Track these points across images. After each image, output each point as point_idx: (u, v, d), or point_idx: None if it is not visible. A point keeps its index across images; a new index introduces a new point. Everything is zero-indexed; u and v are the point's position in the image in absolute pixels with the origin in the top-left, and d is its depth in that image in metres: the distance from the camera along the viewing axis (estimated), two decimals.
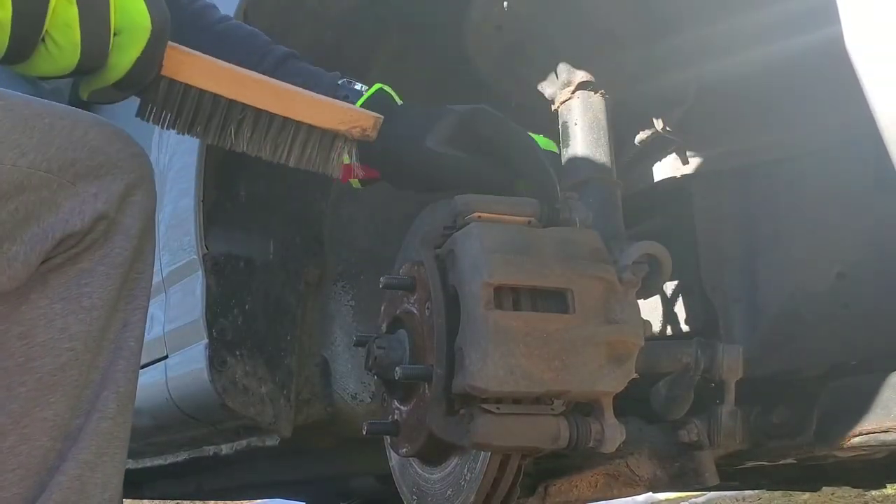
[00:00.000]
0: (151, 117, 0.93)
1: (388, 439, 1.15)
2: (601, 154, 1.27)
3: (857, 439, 1.19)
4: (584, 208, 1.08)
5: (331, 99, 0.94)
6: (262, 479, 2.35)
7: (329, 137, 0.95)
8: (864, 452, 1.29)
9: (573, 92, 1.29)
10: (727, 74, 1.29)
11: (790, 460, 1.46)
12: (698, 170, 1.36)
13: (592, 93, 1.29)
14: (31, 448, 0.95)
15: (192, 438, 1.85)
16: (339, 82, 1.12)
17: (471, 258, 0.96)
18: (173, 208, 1.59)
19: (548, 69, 1.32)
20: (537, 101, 1.36)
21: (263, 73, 1.06)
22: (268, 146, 0.93)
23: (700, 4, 1.26)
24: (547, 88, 1.33)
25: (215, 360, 1.50)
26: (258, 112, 0.89)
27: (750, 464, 1.50)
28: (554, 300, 0.98)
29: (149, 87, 0.87)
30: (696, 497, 3.39)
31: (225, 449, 1.90)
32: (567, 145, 1.29)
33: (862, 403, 1.20)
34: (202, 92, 0.87)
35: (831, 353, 1.24)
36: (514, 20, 1.31)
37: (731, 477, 1.81)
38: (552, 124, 1.34)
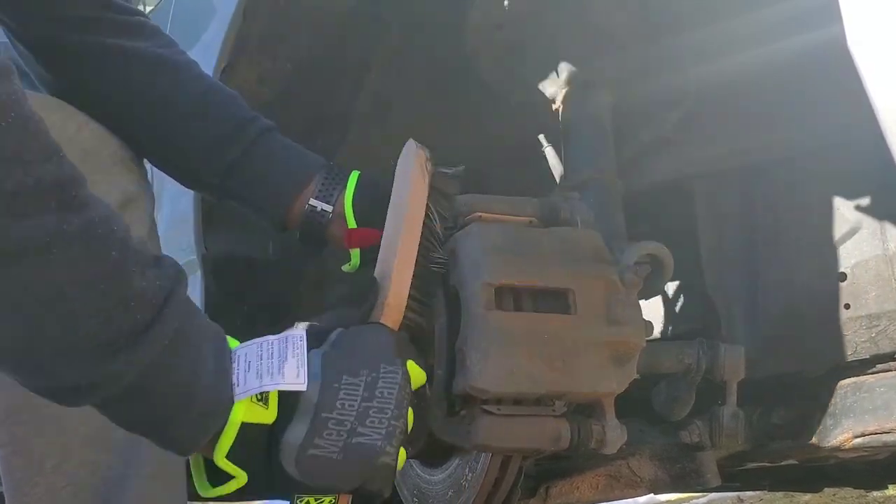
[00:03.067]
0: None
1: None
2: (602, 154, 1.27)
3: (858, 440, 1.19)
4: (585, 208, 1.08)
5: (404, 177, 0.96)
6: None
7: (432, 195, 0.98)
8: (865, 453, 1.29)
9: (574, 91, 1.29)
10: (728, 74, 1.29)
11: (792, 461, 1.46)
12: (699, 170, 1.36)
13: (593, 92, 1.29)
14: (76, 465, 0.94)
15: None
16: (322, 164, 1.10)
17: (472, 258, 0.96)
18: (172, 208, 1.59)
19: (548, 68, 1.32)
20: (538, 100, 1.36)
21: (243, 149, 1.07)
22: (439, 242, 0.97)
23: (700, 4, 1.25)
24: (548, 88, 1.33)
25: None
26: (422, 244, 0.94)
27: (751, 465, 1.49)
28: (555, 300, 0.98)
29: None
30: (697, 498, 3.38)
31: None
32: (568, 145, 1.28)
33: (863, 404, 1.19)
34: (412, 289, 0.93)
35: (832, 354, 1.24)
36: (514, 19, 1.30)
37: (732, 478, 1.80)
38: (552, 124, 1.34)
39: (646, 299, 1.18)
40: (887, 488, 2.37)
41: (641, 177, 1.39)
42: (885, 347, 1.21)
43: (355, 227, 1.07)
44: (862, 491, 2.61)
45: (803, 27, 1.16)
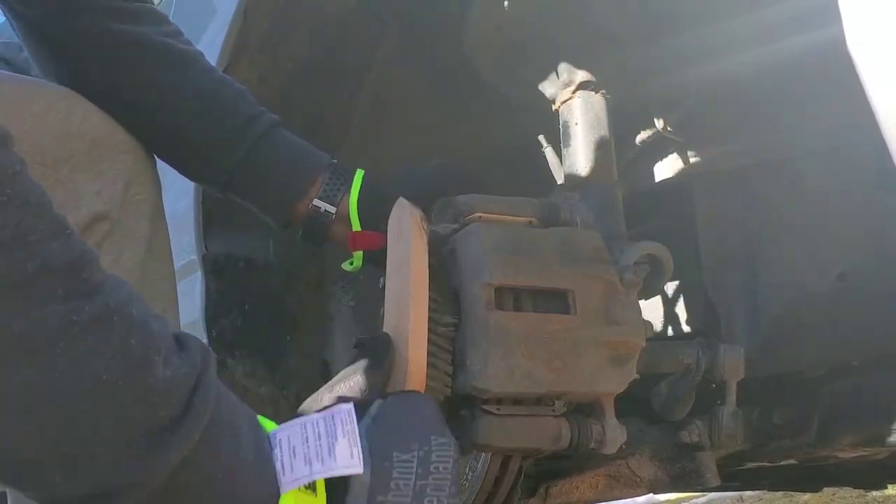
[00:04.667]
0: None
1: None
2: (602, 154, 1.27)
3: (858, 440, 1.19)
4: (584, 209, 1.08)
5: (401, 238, 0.94)
6: None
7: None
8: (865, 453, 1.29)
9: (574, 92, 1.29)
10: (728, 74, 1.29)
11: (791, 461, 1.46)
12: (699, 170, 1.36)
13: (593, 93, 1.29)
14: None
15: None
16: (327, 164, 1.09)
17: (472, 258, 0.96)
18: (172, 209, 1.58)
19: (548, 69, 1.32)
20: (538, 101, 1.36)
21: (249, 146, 1.06)
22: (446, 304, 0.94)
23: (700, 4, 1.25)
24: (547, 88, 1.33)
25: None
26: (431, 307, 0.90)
27: (751, 464, 1.49)
28: (555, 301, 0.98)
29: None
30: (697, 498, 3.38)
31: None
32: (568, 145, 1.28)
33: (863, 404, 1.20)
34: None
35: (832, 354, 1.24)
36: (514, 20, 1.30)
37: (732, 477, 1.80)
38: (552, 124, 1.34)
39: (646, 299, 1.18)
40: (887, 488, 2.37)
41: (641, 177, 1.39)
42: (885, 347, 1.21)
43: (360, 229, 1.06)
44: (862, 491, 2.62)
45: (803, 27, 1.16)
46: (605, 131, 1.28)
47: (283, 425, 0.74)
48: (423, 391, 0.85)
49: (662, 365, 1.23)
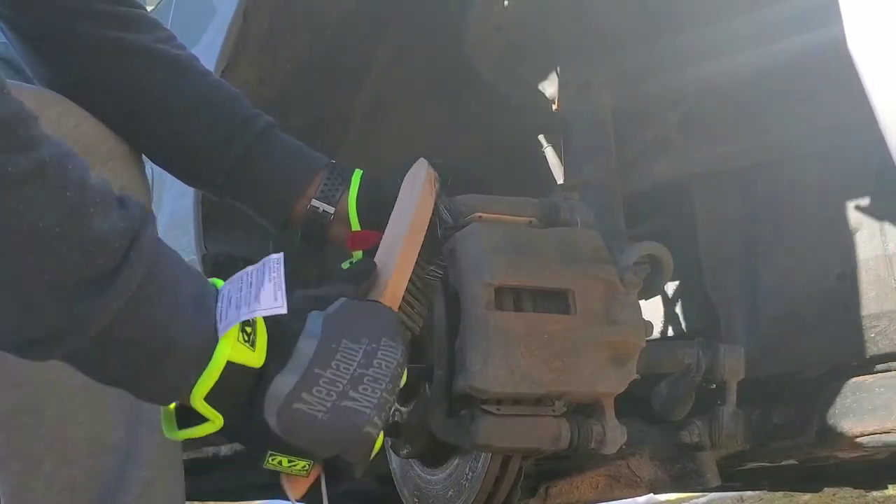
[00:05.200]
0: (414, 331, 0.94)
1: (388, 441, 1.14)
2: (602, 154, 1.27)
3: (858, 440, 1.19)
4: (584, 209, 1.08)
5: (414, 193, 0.97)
6: (261, 480, 2.35)
7: (435, 211, 0.99)
8: (865, 453, 1.29)
9: (574, 92, 1.29)
10: (728, 75, 1.29)
11: (792, 461, 1.46)
12: (699, 170, 1.36)
13: (593, 92, 1.29)
14: (73, 469, 0.93)
15: (191, 439, 1.84)
16: (325, 164, 1.09)
17: (472, 258, 0.96)
18: (172, 209, 1.59)
19: (548, 69, 1.32)
20: (538, 101, 1.36)
21: (245, 148, 1.06)
22: (437, 258, 0.97)
23: (700, 4, 1.25)
24: (547, 88, 1.33)
25: None
26: (422, 254, 0.93)
27: (751, 465, 1.49)
28: (555, 301, 0.98)
29: None
30: (697, 498, 3.38)
31: (224, 450, 1.90)
32: (568, 145, 1.28)
33: (863, 404, 1.19)
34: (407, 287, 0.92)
35: (832, 354, 1.24)
36: (514, 20, 1.30)
37: (732, 478, 1.80)
38: (552, 124, 1.34)
39: (646, 299, 1.18)
40: (887, 488, 2.37)
41: (641, 177, 1.39)
42: (885, 347, 1.21)
43: (359, 229, 1.06)
44: (862, 491, 2.62)
45: (803, 27, 1.16)
46: (605, 131, 1.28)
47: (228, 280, 0.77)
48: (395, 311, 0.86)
49: (662, 365, 1.23)
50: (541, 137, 1.44)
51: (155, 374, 0.71)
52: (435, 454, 1.07)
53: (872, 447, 1.20)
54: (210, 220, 1.50)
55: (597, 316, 0.98)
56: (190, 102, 1.06)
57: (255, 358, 0.74)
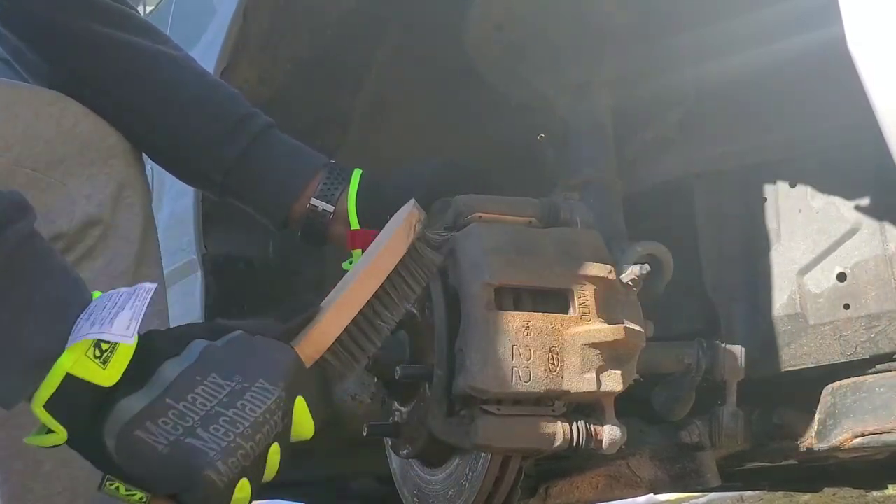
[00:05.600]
0: (346, 378, 0.89)
1: (388, 441, 1.14)
2: (602, 154, 1.27)
3: (858, 440, 1.19)
4: (584, 208, 1.08)
5: (385, 233, 0.94)
6: None
7: (414, 253, 0.93)
8: (865, 453, 1.29)
9: (574, 92, 1.29)
10: (728, 74, 1.29)
11: (791, 461, 1.45)
12: (699, 170, 1.36)
13: (593, 92, 1.29)
14: (73, 470, 0.93)
15: None
16: (324, 163, 1.09)
17: (471, 258, 0.96)
18: (172, 208, 1.59)
19: (548, 69, 1.32)
20: (538, 101, 1.36)
21: (244, 147, 1.05)
22: (399, 302, 0.92)
23: (700, 4, 1.25)
24: (548, 88, 1.33)
25: None
26: (377, 296, 0.89)
27: (751, 465, 1.49)
28: (555, 301, 0.98)
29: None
30: (697, 498, 3.38)
31: None
32: (568, 145, 1.28)
33: (863, 404, 1.19)
34: (345, 332, 0.87)
35: (832, 354, 1.24)
36: (514, 20, 1.30)
37: (732, 478, 1.80)
38: (552, 124, 1.34)
39: (646, 299, 1.18)
40: (887, 488, 2.37)
41: (641, 177, 1.39)
42: (885, 347, 1.21)
43: (358, 227, 1.06)
44: (862, 491, 2.62)
45: (803, 27, 1.16)
46: (605, 131, 1.28)
47: (102, 294, 0.74)
48: (313, 357, 0.81)
49: (662, 365, 1.23)
50: (541, 137, 1.44)
51: None
52: (435, 454, 1.07)
53: (872, 447, 1.20)
54: (210, 220, 1.50)
55: (597, 316, 0.98)
56: (189, 100, 1.06)
57: (103, 376, 0.70)
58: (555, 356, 0.94)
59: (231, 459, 0.70)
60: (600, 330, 0.96)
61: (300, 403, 0.77)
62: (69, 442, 0.72)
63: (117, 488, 0.72)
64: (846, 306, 1.24)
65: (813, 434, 1.26)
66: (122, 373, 0.71)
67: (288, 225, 1.10)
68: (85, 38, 1.03)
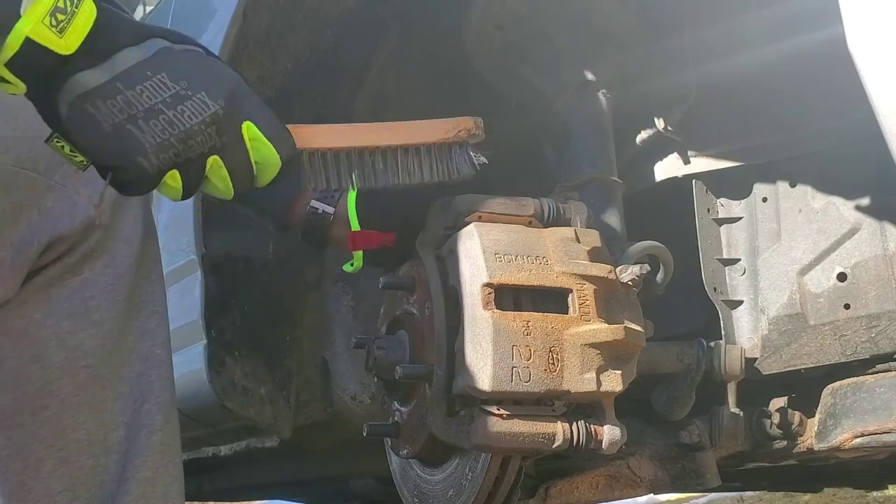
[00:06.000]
0: (311, 185, 0.97)
1: (388, 441, 1.14)
2: (602, 154, 1.27)
3: (858, 440, 1.19)
4: (585, 208, 1.08)
5: (432, 120, 1.02)
6: (261, 480, 2.35)
7: (445, 149, 1.01)
8: (865, 453, 1.29)
9: (574, 92, 1.29)
10: (728, 74, 1.29)
11: (791, 461, 1.45)
12: (699, 169, 1.36)
13: (593, 92, 1.29)
14: (73, 469, 0.93)
15: (190, 439, 1.84)
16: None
17: (471, 258, 0.96)
18: (172, 208, 1.59)
19: (548, 69, 1.32)
20: (538, 100, 1.36)
21: None
22: (400, 174, 0.99)
23: (700, 4, 1.25)
24: (548, 88, 1.33)
25: (214, 361, 1.50)
26: (383, 150, 0.98)
27: (751, 465, 1.49)
28: (554, 300, 0.98)
29: (294, 162, 0.94)
30: (697, 498, 3.39)
31: (224, 450, 1.90)
32: (568, 145, 1.28)
33: (863, 404, 1.19)
34: (336, 151, 0.96)
35: (832, 354, 1.24)
36: (514, 19, 1.30)
37: (732, 478, 1.80)
38: (552, 124, 1.34)
39: (646, 299, 1.18)
40: (887, 488, 2.37)
41: (641, 177, 1.39)
42: (885, 347, 1.21)
43: (358, 229, 1.06)
44: (862, 491, 2.62)
45: (803, 27, 1.16)
46: (605, 131, 1.28)
47: None
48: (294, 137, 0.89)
49: (662, 365, 1.23)
50: (541, 137, 1.44)
51: None
52: (435, 454, 1.07)
53: (872, 447, 1.20)
54: (210, 220, 1.50)
55: (597, 316, 0.97)
56: None
57: (61, 44, 0.75)
58: (555, 356, 0.94)
59: (162, 155, 0.78)
60: (600, 330, 0.96)
61: (251, 129, 0.84)
62: (27, 95, 0.78)
63: (62, 147, 0.79)
64: (846, 306, 1.24)
65: (813, 434, 1.26)
66: (79, 43, 0.76)
67: (289, 227, 1.10)
68: None
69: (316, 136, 0.93)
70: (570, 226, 1.04)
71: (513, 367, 0.92)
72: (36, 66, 0.75)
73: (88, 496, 0.93)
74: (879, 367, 1.23)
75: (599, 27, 1.29)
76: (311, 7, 1.41)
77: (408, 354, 1.05)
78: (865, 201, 1.25)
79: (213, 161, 0.82)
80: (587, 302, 0.97)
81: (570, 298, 0.97)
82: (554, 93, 1.32)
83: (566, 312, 0.97)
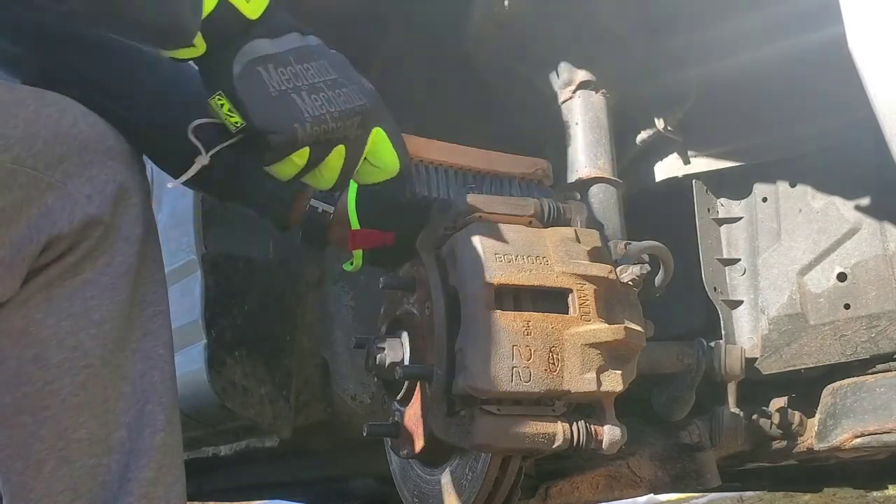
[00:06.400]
0: (418, 190, 1.05)
1: (388, 441, 1.14)
2: (602, 154, 1.27)
3: (858, 440, 1.19)
4: (585, 208, 1.08)
5: (514, 155, 1.13)
6: (261, 480, 2.35)
7: (523, 183, 1.12)
8: (865, 453, 1.29)
9: (574, 91, 1.29)
10: (728, 74, 1.29)
11: (792, 461, 1.46)
12: (699, 169, 1.36)
13: (594, 92, 1.29)
14: (74, 469, 0.92)
15: (190, 439, 1.84)
16: None
17: (471, 258, 0.96)
18: (172, 208, 1.59)
19: (549, 68, 1.32)
20: (538, 100, 1.36)
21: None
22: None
23: (700, 4, 1.25)
24: (548, 88, 1.33)
25: (214, 361, 1.50)
26: (474, 171, 1.10)
27: (751, 465, 1.49)
28: (554, 300, 0.97)
29: (407, 171, 1.02)
30: (697, 498, 3.39)
31: (224, 450, 1.90)
32: (568, 145, 1.28)
33: (863, 404, 1.19)
34: (436, 165, 1.07)
35: (832, 354, 1.24)
36: (514, 19, 1.30)
37: (732, 478, 1.80)
38: (553, 124, 1.34)
39: (646, 299, 1.18)
40: (887, 488, 2.37)
41: (641, 177, 1.39)
42: (885, 347, 1.21)
43: (358, 228, 1.06)
44: (862, 491, 2.62)
45: (803, 27, 1.16)
46: (605, 131, 1.28)
47: None
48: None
49: (662, 365, 1.23)
50: (540, 137, 1.44)
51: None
52: (435, 454, 1.07)
53: (872, 447, 1.20)
54: (210, 220, 1.50)
55: (597, 316, 0.97)
56: (189, 102, 1.06)
57: (248, 8, 0.85)
58: (555, 356, 0.94)
59: (316, 128, 0.86)
60: (600, 330, 0.96)
61: (380, 134, 0.94)
62: (202, 58, 0.87)
63: (223, 105, 0.87)
64: (846, 306, 1.24)
65: (813, 434, 1.26)
66: (261, 11, 0.87)
67: (288, 226, 1.10)
68: (79, 36, 1.03)
69: (421, 148, 1.04)
70: (570, 226, 1.04)
71: (513, 367, 0.92)
72: (224, 26, 0.85)
73: (90, 496, 0.93)
74: (879, 367, 1.23)
75: (601, 27, 1.29)
76: (312, 7, 1.40)
77: (408, 354, 1.05)
78: (865, 201, 1.25)
79: (338, 150, 0.89)
80: (587, 302, 0.97)
81: (570, 298, 0.97)
82: (554, 92, 1.32)
83: (566, 312, 0.97)
